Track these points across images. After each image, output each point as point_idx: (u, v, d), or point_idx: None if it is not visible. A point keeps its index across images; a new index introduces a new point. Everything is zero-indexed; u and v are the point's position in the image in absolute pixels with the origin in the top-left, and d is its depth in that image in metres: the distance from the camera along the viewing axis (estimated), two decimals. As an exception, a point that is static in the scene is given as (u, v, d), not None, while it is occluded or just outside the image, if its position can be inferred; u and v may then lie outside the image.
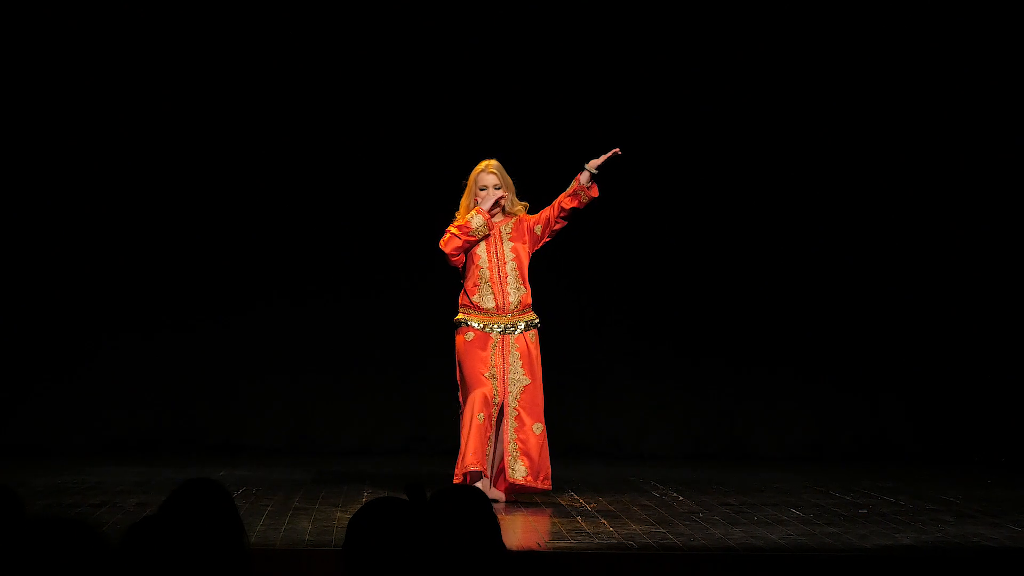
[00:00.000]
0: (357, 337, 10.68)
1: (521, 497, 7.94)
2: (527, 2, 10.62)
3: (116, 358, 10.55)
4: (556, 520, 7.29)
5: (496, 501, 7.81)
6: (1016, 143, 10.66)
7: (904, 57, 10.64)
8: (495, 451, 7.87)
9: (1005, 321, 10.69)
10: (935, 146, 10.70)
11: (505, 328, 7.90)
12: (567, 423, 10.11)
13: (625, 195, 10.09)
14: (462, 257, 7.97)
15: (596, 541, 6.51)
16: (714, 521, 7.20)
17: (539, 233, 8.01)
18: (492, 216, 7.97)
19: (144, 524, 2.89)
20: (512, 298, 7.93)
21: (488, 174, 7.99)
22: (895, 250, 10.74)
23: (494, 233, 7.98)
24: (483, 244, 7.95)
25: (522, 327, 7.93)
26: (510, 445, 7.82)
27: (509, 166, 8.08)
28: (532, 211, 8.06)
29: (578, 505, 7.82)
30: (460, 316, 7.97)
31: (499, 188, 7.97)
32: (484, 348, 7.88)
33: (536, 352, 7.95)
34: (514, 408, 7.85)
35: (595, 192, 7.94)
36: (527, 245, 8.01)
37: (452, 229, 7.94)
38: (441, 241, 7.94)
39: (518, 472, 7.81)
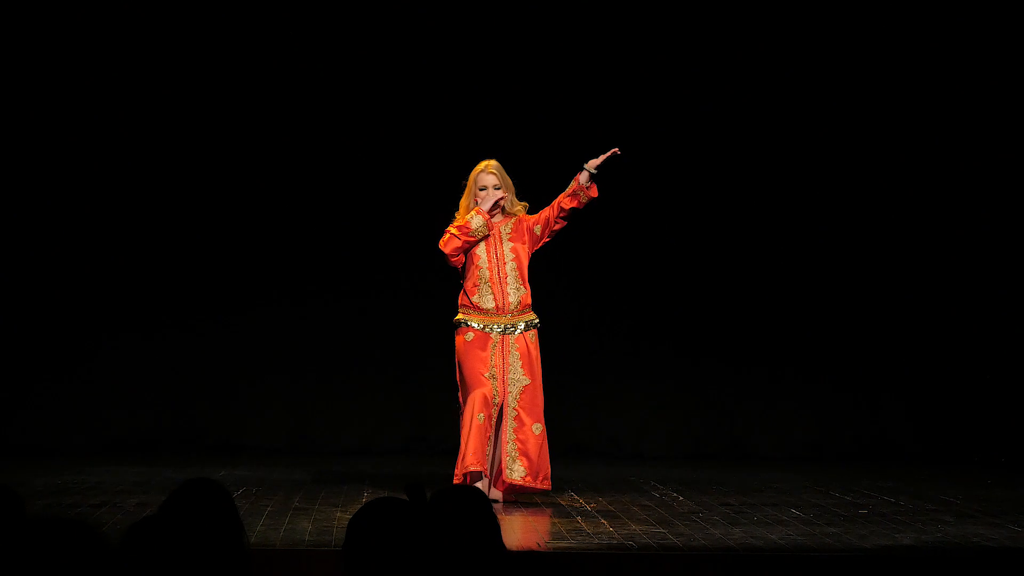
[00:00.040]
0: (357, 337, 10.68)
1: (521, 497, 7.94)
2: (527, 2, 10.62)
3: (116, 358, 10.55)
4: (556, 520, 7.30)
5: (496, 501, 7.81)
6: (1016, 143, 10.66)
7: (904, 57, 10.64)
8: (495, 451, 7.87)
9: (1005, 321, 10.69)
10: (935, 146, 10.70)
11: (505, 328, 7.90)
12: (567, 423, 10.11)
13: (625, 195, 10.09)
14: (462, 257, 7.97)
15: (596, 541, 6.51)
16: (714, 521, 7.20)
17: (539, 233, 8.01)
18: (492, 216, 7.97)
19: (144, 524, 2.89)
20: (512, 298, 7.93)
21: (488, 174, 7.99)
22: (895, 250, 10.74)
23: (494, 233, 7.98)
24: (483, 244, 7.95)
25: (522, 327, 7.93)
26: (509, 445, 7.82)
27: (508, 166, 8.08)
28: (532, 211, 8.06)
29: (578, 505, 7.82)
30: (460, 316, 7.97)
31: (499, 188, 7.97)
32: (484, 348, 7.87)
33: (536, 352, 7.95)
34: (514, 408, 7.85)
35: (594, 192, 7.93)
36: (527, 245, 8.01)
37: (452, 229, 7.94)
38: (441, 241, 7.94)
39: (516, 472, 7.81)
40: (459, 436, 7.77)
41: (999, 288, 10.71)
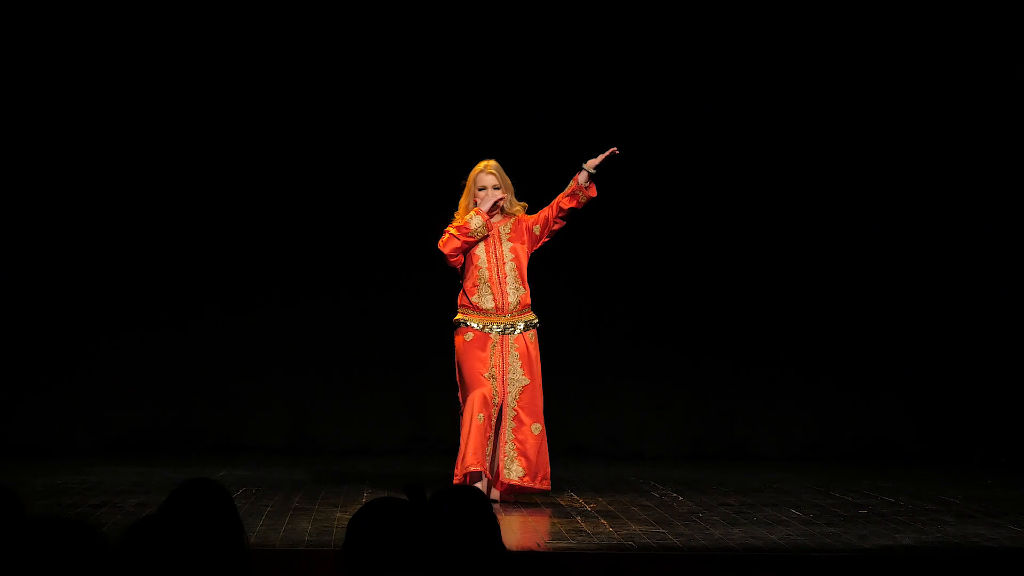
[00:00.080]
0: (357, 337, 10.68)
1: (520, 497, 7.94)
2: (526, 2, 10.62)
3: (116, 358, 10.55)
4: (556, 520, 7.29)
5: (495, 502, 7.81)
6: (1016, 143, 10.66)
7: (904, 57, 10.64)
8: (495, 452, 7.86)
9: (1005, 321, 10.69)
10: (935, 146, 10.70)
11: (504, 328, 7.90)
12: (567, 423, 10.11)
13: (625, 195, 10.09)
14: (461, 258, 7.96)
15: (596, 541, 6.51)
16: (714, 521, 7.20)
17: (538, 233, 8.00)
18: (491, 217, 7.96)
19: (143, 524, 2.89)
20: (511, 298, 7.93)
21: (487, 174, 7.99)
22: (895, 250, 10.74)
23: (493, 233, 7.98)
24: (482, 244, 7.95)
25: (521, 327, 7.93)
26: (507, 445, 7.82)
27: (508, 166, 8.08)
28: (531, 211, 8.06)
29: (578, 505, 7.82)
30: (459, 316, 7.97)
31: (498, 188, 7.97)
32: (483, 348, 7.87)
33: (535, 352, 7.94)
34: (513, 408, 7.84)
35: (593, 192, 7.93)
36: (526, 245, 8.01)
37: (451, 230, 7.94)
38: (440, 242, 7.94)
39: (514, 472, 7.81)
40: (459, 436, 7.77)
41: (999, 288, 10.71)
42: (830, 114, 10.68)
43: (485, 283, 7.93)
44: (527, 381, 7.87)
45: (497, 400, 7.82)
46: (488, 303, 7.91)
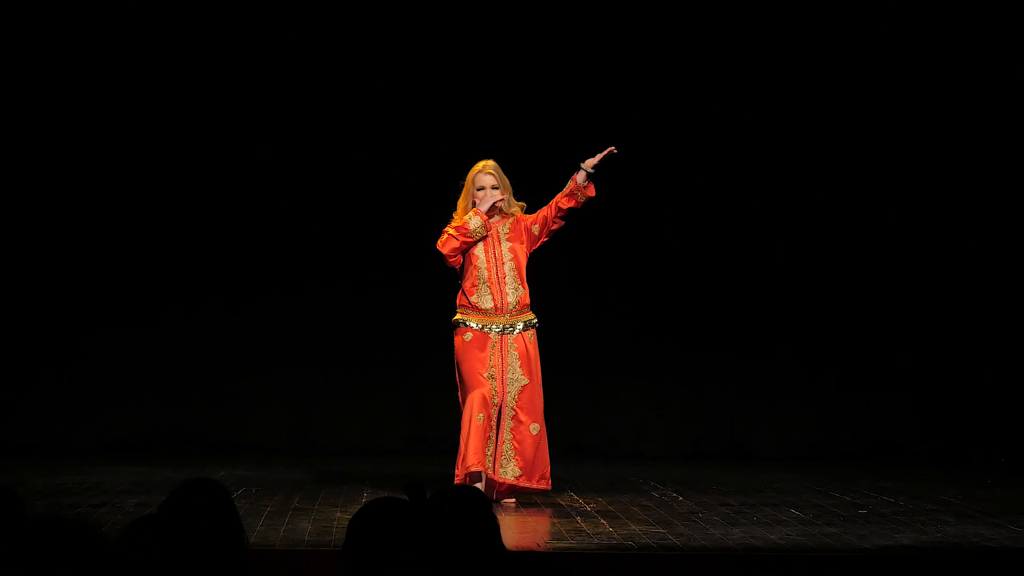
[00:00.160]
0: (357, 337, 10.68)
1: (520, 497, 7.94)
2: (526, 2, 10.62)
3: (116, 358, 10.56)
4: (556, 520, 7.29)
5: (495, 502, 7.81)
6: (1016, 143, 10.66)
7: (904, 57, 10.64)
8: (494, 451, 7.86)
9: (1005, 321, 10.69)
10: (935, 146, 10.70)
11: (504, 328, 7.90)
12: (567, 423, 10.11)
13: (624, 195, 10.10)
14: (460, 258, 7.96)
15: (596, 541, 6.51)
16: (714, 521, 7.20)
17: (537, 233, 8.00)
18: (489, 217, 7.96)
19: (142, 523, 2.89)
20: (511, 298, 7.93)
21: (485, 175, 7.99)
22: (895, 250, 10.74)
23: (492, 234, 7.97)
24: (481, 244, 7.95)
25: (520, 327, 7.93)
26: (504, 445, 7.82)
27: (507, 166, 8.08)
28: (529, 211, 8.05)
29: (578, 505, 7.82)
30: (459, 316, 7.97)
31: (496, 189, 7.96)
32: (483, 349, 7.87)
33: (535, 352, 7.94)
34: (512, 408, 7.84)
35: (592, 191, 7.93)
36: (525, 245, 8.00)
37: (449, 230, 7.93)
38: (439, 242, 7.93)
39: (509, 472, 7.81)
40: (459, 436, 7.77)
41: (999, 288, 10.71)
42: (830, 114, 10.68)
43: (484, 283, 7.93)
44: (526, 381, 7.87)
45: (496, 400, 7.82)
46: (487, 303, 7.91)
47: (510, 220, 8.01)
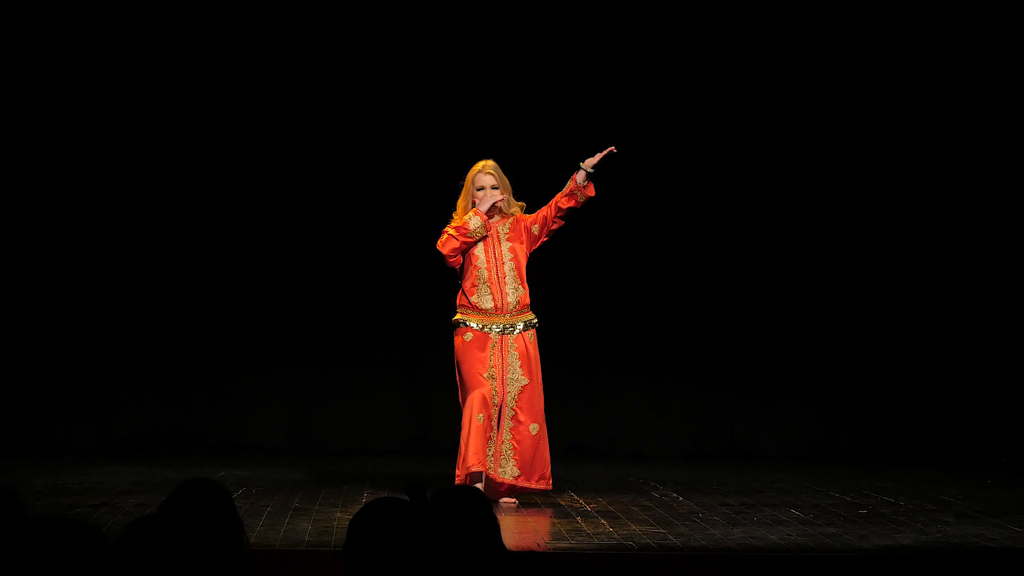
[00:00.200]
0: (357, 337, 10.68)
1: (520, 497, 7.94)
2: (526, 2, 10.62)
3: (116, 358, 10.55)
4: (556, 520, 7.29)
5: (495, 502, 7.81)
6: (1016, 143, 10.66)
7: (904, 57, 10.64)
8: (494, 451, 7.86)
9: (1005, 321, 10.69)
10: (935, 146, 10.70)
11: (504, 328, 7.90)
12: (566, 423, 10.10)
13: (624, 194, 10.10)
14: (459, 258, 7.96)
15: (596, 542, 6.51)
16: (714, 521, 7.20)
17: (536, 233, 8.00)
18: (489, 217, 7.96)
19: (142, 523, 2.89)
20: (511, 298, 7.93)
21: (485, 175, 7.98)
22: (895, 250, 10.74)
23: (492, 233, 7.97)
24: (481, 244, 7.94)
25: (521, 327, 7.93)
26: (504, 445, 7.82)
27: (507, 166, 8.08)
28: (529, 211, 8.05)
29: (578, 505, 7.81)
30: (459, 316, 7.96)
31: (496, 189, 7.96)
32: (483, 349, 7.87)
33: (535, 352, 7.94)
34: (512, 408, 7.84)
35: (591, 191, 7.93)
36: (525, 245, 8.00)
37: (449, 230, 7.93)
38: (439, 242, 7.93)
39: (508, 472, 7.81)
40: (459, 436, 7.77)
41: (999, 288, 10.71)
42: (830, 114, 10.68)
43: (484, 283, 7.93)
44: (526, 381, 7.87)
45: (497, 400, 7.82)
46: (487, 303, 7.91)
47: (510, 220, 8.01)
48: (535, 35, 10.59)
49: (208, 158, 10.57)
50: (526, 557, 5.96)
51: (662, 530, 6.86)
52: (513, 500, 7.89)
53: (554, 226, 7.99)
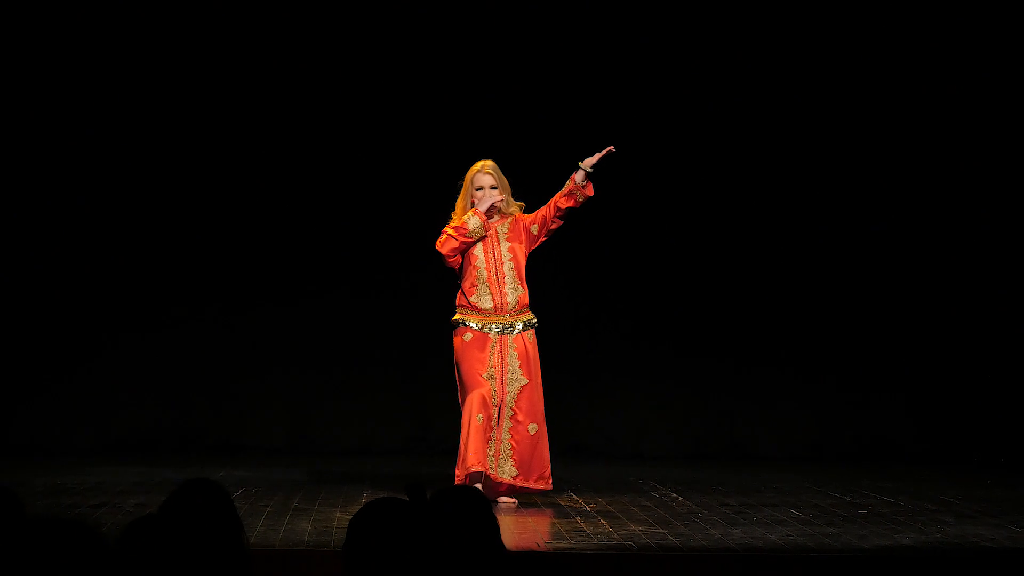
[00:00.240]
0: (357, 337, 10.68)
1: (520, 497, 7.94)
2: (526, 2, 10.62)
3: (116, 358, 10.56)
4: (555, 520, 7.30)
5: (495, 502, 7.81)
6: (1016, 143, 10.66)
7: (904, 57, 10.64)
8: (494, 451, 7.86)
9: (1005, 321, 10.69)
10: (935, 146, 10.70)
11: (503, 328, 7.89)
12: (566, 423, 10.10)
13: (624, 194, 10.10)
14: (458, 258, 7.96)
15: (595, 542, 6.51)
16: (713, 521, 7.20)
17: (536, 233, 8.00)
18: (488, 217, 7.96)
19: (142, 523, 2.89)
20: (510, 298, 7.93)
21: (484, 175, 7.98)
22: (895, 250, 10.74)
23: (491, 234, 7.97)
24: (480, 244, 7.94)
25: (520, 327, 7.93)
26: (502, 444, 7.82)
27: (506, 166, 8.08)
28: (528, 211, 8.05)
29: (577, 505, 7.81)
30: (458, 316, 7.96)
31: (495, 188, 7.96)
32: (482, 349, 7.87)
33: (534, 352, 7.94)
34: (511, 408, 7.84)
35: (590, 191, 7.93)
36: (524, 245, 8.00)
37: (448, 230, 7.93)
38: (438, 242, 7.93)
39: (507, 472, 7.81)
40: (459, 436, 7.77)
41: (999, 288, 10.71)
42: (830, 114, 10.68)
43: (483, 283, 7.93)
44: (525, 381, 7.87)
45: (496, 400, 7.82)
46: (487, 303, 7.91)
47: (509, 220, 8.01)
48: (535, 35, 10.60)
49: (208, 158, 10.57)
50: (526, 557, 5.96)
51: (662, 530, 6.86)
52: (512, 500, 7.89)
53: (553, 226, 7.99)
